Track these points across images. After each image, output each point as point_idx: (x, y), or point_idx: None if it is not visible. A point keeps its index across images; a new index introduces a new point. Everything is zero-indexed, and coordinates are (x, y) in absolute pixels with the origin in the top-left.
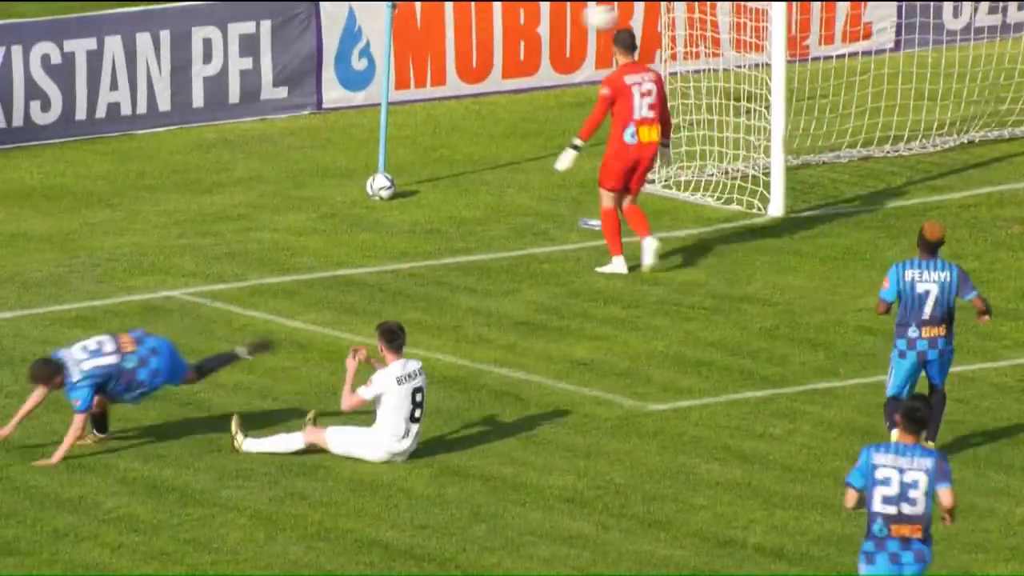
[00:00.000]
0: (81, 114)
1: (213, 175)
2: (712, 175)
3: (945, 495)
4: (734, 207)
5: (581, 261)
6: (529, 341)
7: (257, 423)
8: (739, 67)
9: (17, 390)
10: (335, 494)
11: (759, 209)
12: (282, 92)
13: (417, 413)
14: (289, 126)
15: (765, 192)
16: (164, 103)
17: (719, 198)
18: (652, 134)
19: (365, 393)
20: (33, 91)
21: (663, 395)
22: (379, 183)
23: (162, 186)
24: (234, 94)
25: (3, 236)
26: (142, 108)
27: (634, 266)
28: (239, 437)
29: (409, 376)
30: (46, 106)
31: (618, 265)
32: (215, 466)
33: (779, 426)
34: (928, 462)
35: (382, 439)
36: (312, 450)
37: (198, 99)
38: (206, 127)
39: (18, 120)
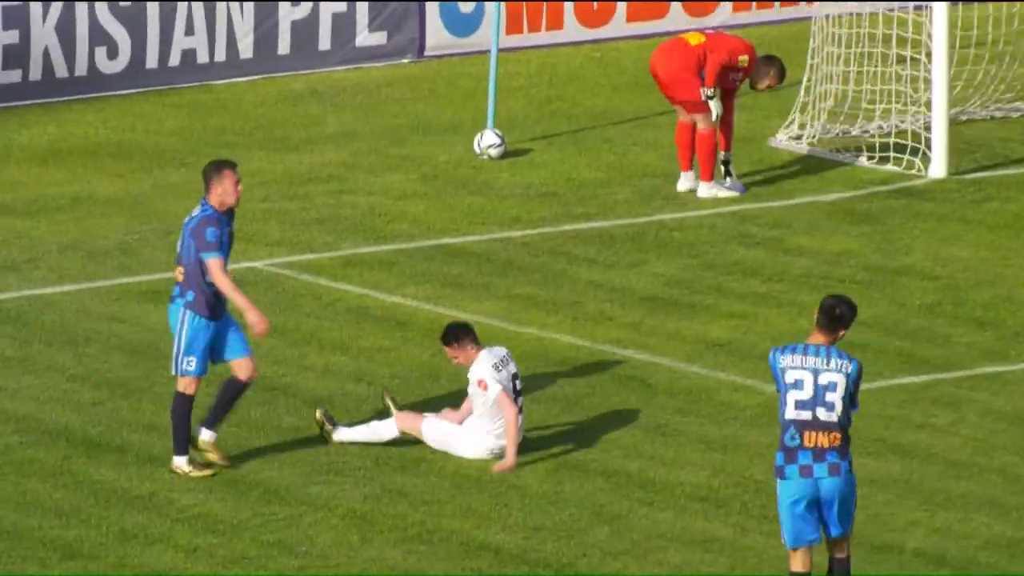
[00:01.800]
0: (152, 62)
1: (301, 131)
2: (865, 132)
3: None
4: (890, 168)
5: (716, 229)
6: (657, 319)
7: (350, 410)
8: (892, 11)
9: (81, 372)
10: (438, 491)
11: (919, 170)
12: (380, 38)
13: (520, 401)
14: (387, 76)
15: (926, 151)
16: (246, 50)
17: (873, 157)
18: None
19: (493, 388)
20: (99, 36)
21: None
22: (488, 140)
23: (243, 143)
24: (325, 40)
25: (66, 199)
26: (220, 55)
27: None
28: (327, 427)
29: (502, 362)
30: (113, 53)
31: (723, 188)
32: (303, 459)
33: (942, 416)
34: (851, 365)
35: (481, 435)
36: (407, 439)
37: (284, 46)
38: (293, 77)
39: (82, 69)
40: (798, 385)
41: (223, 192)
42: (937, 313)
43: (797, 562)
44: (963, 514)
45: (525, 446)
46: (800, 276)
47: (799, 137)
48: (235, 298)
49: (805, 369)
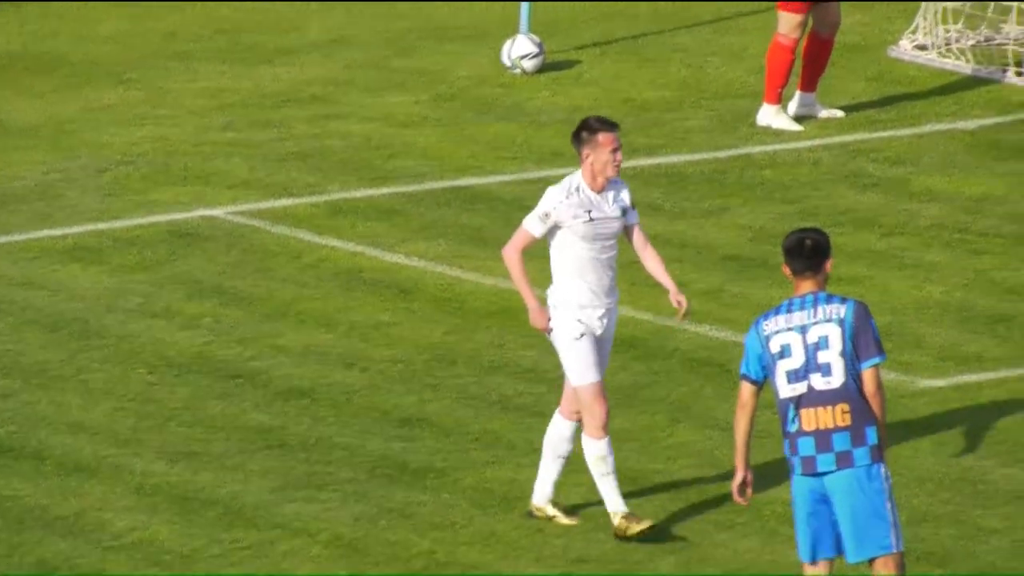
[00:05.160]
0: None
1: (276, 37)
2: (1014, 39)
3: (872, 376)
4: None
5: (821, 166)
6: (742, 284)
7: (337, 404)
8: None
9: None
10: (452, 512)
11: None
12: None
13: None
14: None
15: None
16: None
17: (1023, 73)
18: None
19: None
20: None
21: (941, 366)
22: (521, 48)
23: (200, 53)
24: None
25: None
26: None
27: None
28: (549, 510)
29: None
30: None
31: (781, 118)
32: (275, 469)
33: None
34: (842, 309)
35: None
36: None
37: None
38: None
39: None
40: (786, 352)
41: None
42: None
43: None
44: None
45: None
46: (929, 228)
47: (927, 46)
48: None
49: (791, 330)
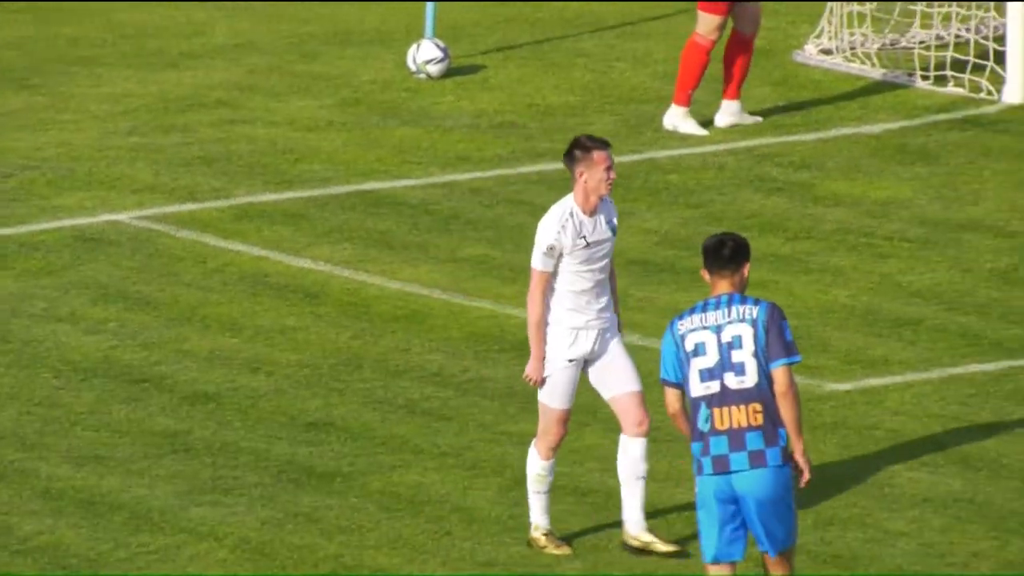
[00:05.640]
0: None
1: (180, 42)
2: (920, 43)
3: (781, 376)
4: (951, 90)
5: (726, 171)
6: (648, 288)
7: (243, 409)
8: None
9: None
10: (359, 515)
11: (989, 93)
12: None
13: None
14: None
15: (997, 68)
16: None
17: (929, 77)
18: None
19: None
20: None
21: (847, 370)
22: (426, 53)
23: (104, 58)
24: None
25: None
26: None
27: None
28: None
29: None
30: None
31: (689, 123)
32: (181, 473)
33: (1019, 414)
34: (755, 310)
35: None
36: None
37: None
38: None
39: None
40: (700, 350)
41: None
42: (1013, 281)
43: None
44: None
45: (472, 458)
46: (835, 232)
47: (832, 50)
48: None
49: (706, 329)
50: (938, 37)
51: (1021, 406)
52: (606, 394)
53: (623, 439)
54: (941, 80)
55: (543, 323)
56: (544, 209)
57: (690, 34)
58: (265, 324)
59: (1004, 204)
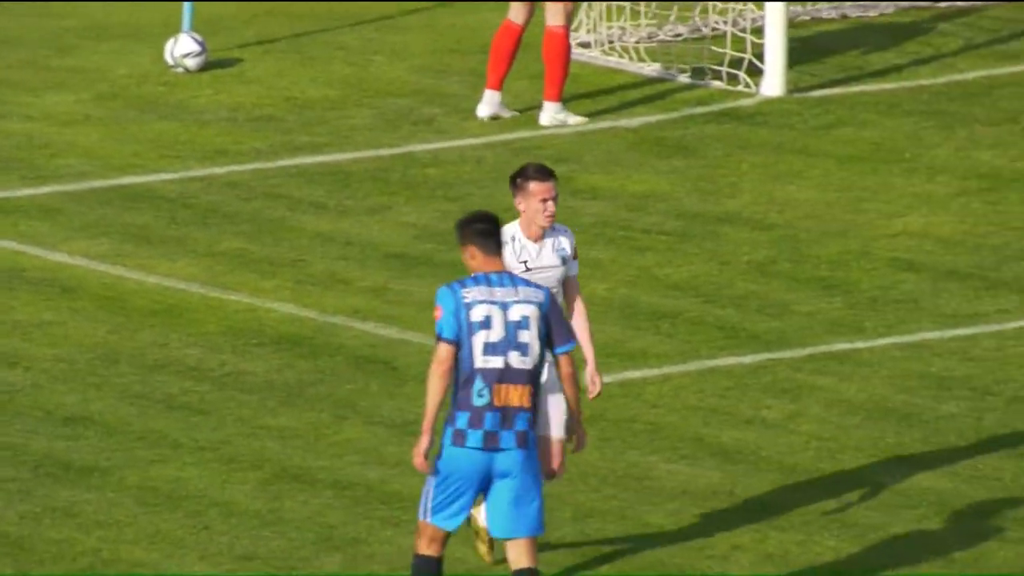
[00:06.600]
0: None
1: None
2: (678, 36)
3: (568, 360)
4: (709, 83)
5: (484, 164)
6: (407, 282)
7: (2, 405)
8: None
9: None
10: (117, 510)
11: (747, 86)
12: None
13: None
14: None
15: (756, 61)
16: None
17: (687, 70)
18: None
19: None
20: None
21: (605, 362)
22: (183, 47)
23: None
24: None
25: None
26: None
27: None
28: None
29: None
30: None
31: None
32: None
33: (776, 407)
34: (540, 293)
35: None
36: None
37: None
38: None
39: None
40: (488, 324)
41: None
42: (771, 274)
43: (431, 545)
44: (803, 535)
45: (231, 452)
46: (593, 225)
47: (590, 43)
48: None
49: (494, 304)
50: (696, 30)
51: (779, 398)
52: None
53: None
54: (699, 73)
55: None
56: (302, 203)
57: (450, 29)
58: (22, 319)
59: (762, 197)
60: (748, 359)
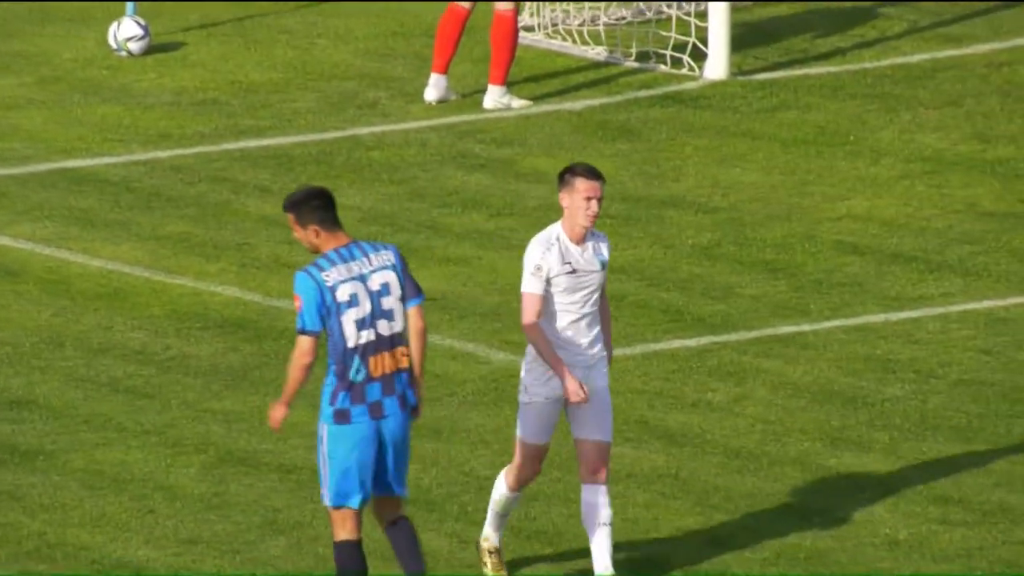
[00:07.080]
0: None
1: None
2: (620, 20)
3: (419, 314)
4: (653, 66)
5: (429, 147)
6: None
7: None
8: None
9: None
10: (62, 493)
11: (691, 69)
12: None
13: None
14: None
15: (699, 44)
16: None
17: (629, 53)
18: None
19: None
20: None
21: None
22: (127, 30)
23: None
24: None
25: None
26: None
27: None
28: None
29: None
30: None
31: (517, 98)
32: None
33: (721, 390)
34: (389, 255)
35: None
36: None
37: None
38: None
39: None
40: (354, 301)
41: None
42: (715, 257)
43: (347, 527)
44: (748, 519)
45: (176, 435)
46: (537, 209)
47: (533, 27)
48: None
49: (354, 280)
50: (639, 13)
51: (723, 382)
52: (574, 432)
53: (582, 486)
54: (643, 56)
55: (548, 341)
56: (247, 186)
57: (394, 12)
58: None
59: (706, 180)
60: (693, 342)
